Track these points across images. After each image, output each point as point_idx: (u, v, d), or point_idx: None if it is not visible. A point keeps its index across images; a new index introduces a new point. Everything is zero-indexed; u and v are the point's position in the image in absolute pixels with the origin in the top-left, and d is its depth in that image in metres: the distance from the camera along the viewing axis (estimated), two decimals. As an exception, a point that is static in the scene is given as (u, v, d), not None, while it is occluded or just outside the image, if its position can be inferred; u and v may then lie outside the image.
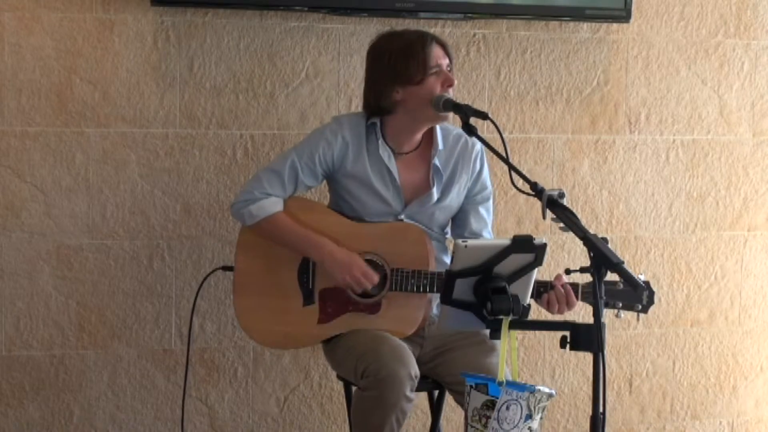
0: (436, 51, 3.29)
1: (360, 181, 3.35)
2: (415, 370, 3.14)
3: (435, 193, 3.37)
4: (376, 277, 3.26)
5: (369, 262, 3.29)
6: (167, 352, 3.80)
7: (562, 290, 3.18)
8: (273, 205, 3.33)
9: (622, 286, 3.15)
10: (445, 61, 3.30)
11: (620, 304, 3.18)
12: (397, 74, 3.28)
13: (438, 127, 3.39)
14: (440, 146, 3.38)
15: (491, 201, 3.49)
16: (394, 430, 3.14)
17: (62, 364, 3.72)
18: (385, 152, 3.34)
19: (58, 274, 3.68)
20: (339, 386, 3.72)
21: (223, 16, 3.75)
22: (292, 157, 3.35)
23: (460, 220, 3.46)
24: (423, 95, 3.27)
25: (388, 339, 3.20)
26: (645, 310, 3.20)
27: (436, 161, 3.37)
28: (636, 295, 3.17)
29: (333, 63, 3.86)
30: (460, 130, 3.26)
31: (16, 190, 3.63)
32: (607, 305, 3.14)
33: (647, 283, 3.19)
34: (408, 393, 3.12)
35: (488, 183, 3.47)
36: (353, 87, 3.88)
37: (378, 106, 3.34)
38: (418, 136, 3.39)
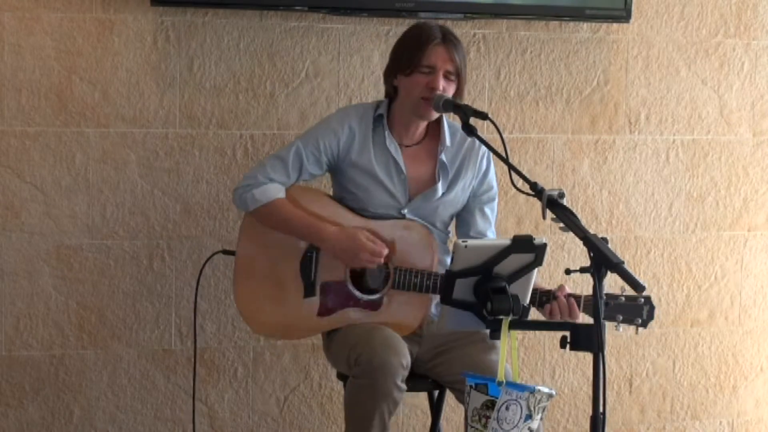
0: (438, 51, 3.26)
1: (365, 172, 3.34)
2: (407, 360, 3.13)
3: (440, 188, 3.37)
4: (384, 249, 3.24)
5: None
6: (167, 352, 3.80)
7: (565, 302, 3.18)
8: (276, 190, 3.33)
9: (623, 299, 3.14)
10: (444, 66, 3.25)
11: (620, 317, 3.17)
12: (396, 61, 3.33)
13: (445, 124, 3.40)
14: (447, 142, 3.38)
15: (496, 201, 3.49)
16: (384, 419, 3.13)
17: (62, 364, 3.72)
18: (392, 144, 3.35)
19: (58, 274, 3.68)
20: (339, 386, 3.72)
21: (223, 16, 3.75)
22: (297, 144, 3.35)
23: (465, 220, 3.46)
24: (408, 88, 3.29)
25: (381, 329, 3.20)
26: (644, 324, 3.19)
27: (443, 157, 3.37)
28: (636, 309, 3.17)
29: (333, 63, 3.86)
30: None
31: (16, 190, 3.63)
32: (607, 318, 3.13)
33: (648, 298, 3.18)
34: (399, 382, 3.11)
35: (494, 183, 3.47)
36: (353, 87, 3.88)
37: (386, 85, 3.40)
38: (420, 129, 3.40)
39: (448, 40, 3.28)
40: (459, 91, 3.31)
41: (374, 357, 3.10)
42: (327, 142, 3.33)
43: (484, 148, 3.41)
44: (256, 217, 3.35)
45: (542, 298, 3.18)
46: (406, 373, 3.14)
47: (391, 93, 3.37)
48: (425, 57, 3.25)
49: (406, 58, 3.27)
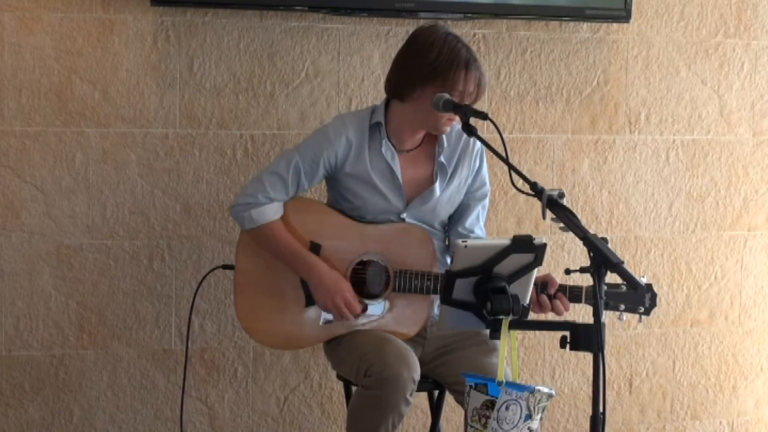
0: (473, 78, 3.23)
1: (361, 180, 3.34)
2: (417, 374, 3.14)
3: (437, 189, 3.37)
4: (359, 308, 3.27)
5: (371, 263, 3.31)
6: (167, 352, 3.80)
7: (548, 303, 3.21)
8: (274, 212, 3.32)
9: (625, 288, 3.15)
10: (473, 89, 3.24)
11: (623, 307, 3.18)
12: (429, 75, 3.23)
13: None
14: (445, 144, 3.38)
15: (488, 198, 3.50)
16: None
17: (62, 364, 3.72)
18: (388, 152, 3.34)
19: (58, 274, 3.68)
20: (339, 386, 3.72)
21: (223, 16, 3.75)
22: (295, 159, 3.33)
23: (455, 215, 3.46)
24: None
25: (392, 340, 3.21)
26: (647, 312, 3.21)
27: (442, 158, 3.37)
28: (638, 298, 3.17)
29: (333, 63, 3.86)
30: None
31: (16, 190, 3.63)
32: (609, 307, 3.15)
33: (649, 285, 3.19)
34: (408, 396, 3.12)
35: (486, 180, 3.48)
36: (353, 87, 3.88)
37: (397, 88, 3.30)
38: (420, 135, 3.39)
39: (477, 61, 3.27)
40: None
41: (385, 369, 3.10)
42: (325, 156, 3.31)
43: (478, 145, 3.41)
44: (250, 236, 3.36)
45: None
46: (415, 387, 3.15)
47: (403, 96, 3.29)
48: (462, 83, 3.22)
49: (442, 78, 3.20)
